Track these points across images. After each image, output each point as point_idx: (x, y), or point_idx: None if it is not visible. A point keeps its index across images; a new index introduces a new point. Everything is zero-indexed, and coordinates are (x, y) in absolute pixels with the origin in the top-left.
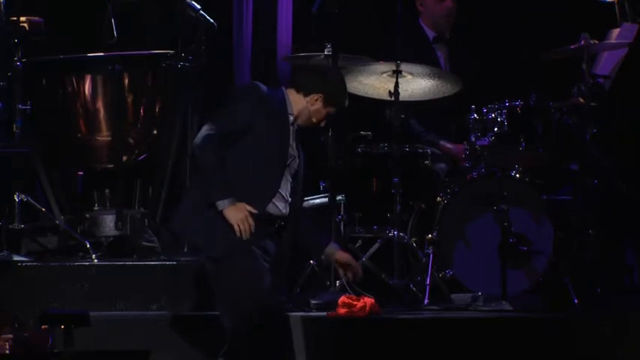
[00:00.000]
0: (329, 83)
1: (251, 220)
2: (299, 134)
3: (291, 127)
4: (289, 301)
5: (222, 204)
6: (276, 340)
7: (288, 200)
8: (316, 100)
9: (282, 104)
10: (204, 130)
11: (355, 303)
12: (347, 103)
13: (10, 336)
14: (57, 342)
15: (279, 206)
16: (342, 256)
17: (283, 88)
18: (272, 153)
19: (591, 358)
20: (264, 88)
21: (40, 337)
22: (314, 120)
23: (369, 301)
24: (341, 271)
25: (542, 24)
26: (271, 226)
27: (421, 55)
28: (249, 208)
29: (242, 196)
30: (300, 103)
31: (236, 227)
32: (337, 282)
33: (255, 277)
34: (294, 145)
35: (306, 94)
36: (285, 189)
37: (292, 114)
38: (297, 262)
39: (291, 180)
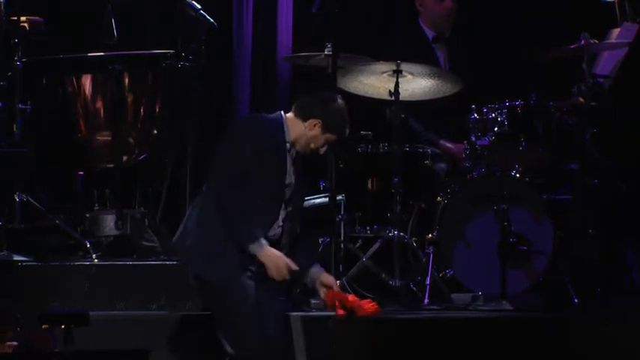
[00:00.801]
0: (329, 109)
1: (287, 274)
2: (298, 160)
3: (287, 155)
4: (289, 300)
5: (256, 248)
6: None
7: (279, 225)
8: (315, 125)
9: (280, 131)
10: (216, 178)
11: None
12: (347, 132)
13: (15, 343)
14: (57, 342)
15: (270, 233)
16: (327, 278)
17: (282, 113)
18: (271, 187)
19: (591, 357)
20: (262, 119)
21: (43, 338)
22: (312, 146)
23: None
24: (322, 293)
25: (542, 23)
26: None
27: (421, 54)
28: (289, 261)
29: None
30: (298, 129)
31: (274, 274)
32: (337, 282)
33: (251, 306)
34: (292, 172)
35: (304, 119)
36: (280, 217)
37: (289, 141)
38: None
39: (285, 207)
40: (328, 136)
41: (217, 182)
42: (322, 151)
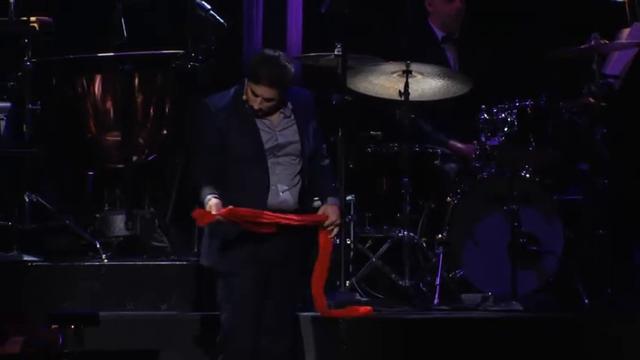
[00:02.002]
0: (250, 62)
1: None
2: (299, 115)
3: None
4: (300, 300)
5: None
6: None
7: (283, 190)
8: (247, 83)
9: (240, 96)
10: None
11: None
12: (262, 74)
13: (21, 338)
14: (67, 342)
15: (278, 199)
16: (329, 210)
17: (246, 80)
18: (244, 148)
19: (601, 357)
20: (212, 96)
21: (50, 336)
22: (250, 104)
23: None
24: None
25: (552, 24)
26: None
27: (431, 55)
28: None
29: (238, 203)
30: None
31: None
32: (347, 282)
33: (233, 306)
34: (273, 125)
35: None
36: (280, 178)
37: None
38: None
39: (288, 164)
40: (251, 86)
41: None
42: (256, 106)
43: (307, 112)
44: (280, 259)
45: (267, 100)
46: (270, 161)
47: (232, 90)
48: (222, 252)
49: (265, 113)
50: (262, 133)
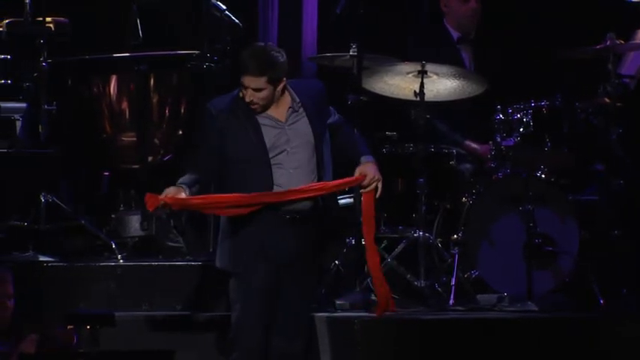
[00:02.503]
0: (239, 57)
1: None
2: (310, 113)
3: (255, 115)
4: (315, 300)
5: None
6: None
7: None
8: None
9: (242, 97)
10: None
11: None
12: (248, 67)
13: (36, 337)
14: (82, 342)
15: (299, 206)
16: (363, 169)
17: None
18: (246, 149)
19: (617, 358)
20: (215, 98)
21: (65, 336)
22: (246, 100)
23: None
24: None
25: (567, 24)
26: (285, 223)
27: (446, 55)
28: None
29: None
30: None
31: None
32: (362, 282)
33: (244, 305)
34: (281, 121)
35: None
36: (295, 174)
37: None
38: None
39: (302, 159)
40: (241, 79)
41: None
42: (247, 98)
43: (319, 104)
44: (292, 259)
45: (255, 90)
46: (282, 157)
47: (235, 91)
48: (234, 252)
49: (262, 107)
50: (269, 130)
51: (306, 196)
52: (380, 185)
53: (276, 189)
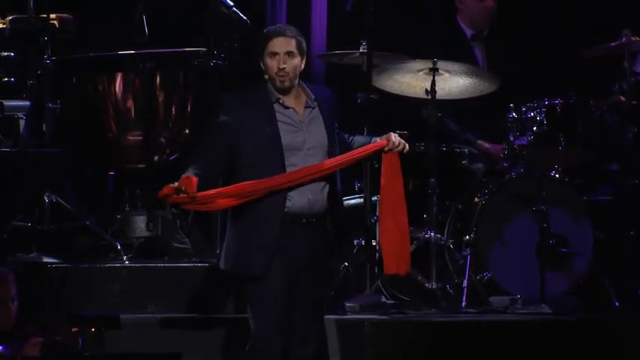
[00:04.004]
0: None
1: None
2: (325, 111)
3: (275, 105)
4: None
5: None
6: None
7: (309, 192)
8: (262, 61)
9: (258, 91)
10: None
11: None
12: (277, 30)
13: (40, 339)
14: (87, 345)
15: (301, 201)
16: (386, 136)
17: (262, 60)
18: (259, 144)
19: None
20: (234, 91)
21: (70, 339)
22: (270, 74)
23: None
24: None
25: (582, 21)
26: (297, 226)
27: (458, 53)
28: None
29: (256, 200)
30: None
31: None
32: (373, 284)
33: (263, 312)
34: (299, 120)
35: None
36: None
37: (276, 96)
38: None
39: (316, 161)
40: (268, 49)
41: None
42: (279, 65)
43: (331, 108)
44: (309, 261)
45: (288, 54)
46: (296, 158)
47: (251, 86)
48: (247, 255)
49: (289, 80)
50: (287, 129)
51: (323, 173)
52: (407, 146)
53: (288, 190)
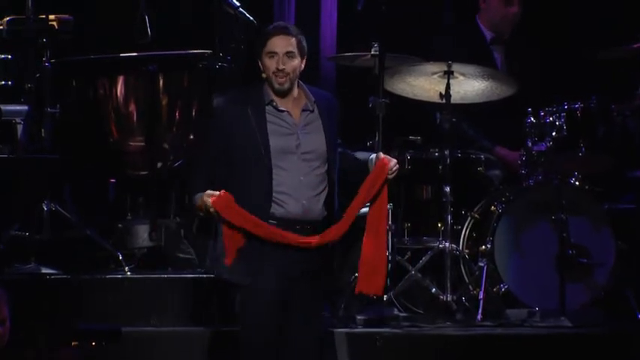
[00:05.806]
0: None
1: (209, 202)
2: (324, 117)
3: (267, 107)
4: (332, 316)
5: (193, 199)
6: None
7: (304, 198)
8: (260, 59)
9: (251, 93)
10: None
11: None
12: (276, 29)
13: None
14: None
15: (294, 207)
16: (379, 156)
17: (260, 60)
18: (248, 148)
19: None
20: (224, 93)
21: (69, 356)
22: (271, 77)
23: None
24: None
25: (602, 23)
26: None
27: (477, 55)
28: (210, 193)
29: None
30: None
31: (207, 212)
32: (385, 296)
33: (252, 323)
34: (296, 124)
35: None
36: (304, 182)
37: (269, 98)
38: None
39: (312, 167)
40: (266, 49)
41: None
42: (279, 65)
43: (333, 114)
44: (302, 271)
45: (288, 54)
46: (289, 162)
47: (246, 86)
48: (240, 262)
49: (289, 82)
50: (278, 132)
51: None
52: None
53: (275, 195)
